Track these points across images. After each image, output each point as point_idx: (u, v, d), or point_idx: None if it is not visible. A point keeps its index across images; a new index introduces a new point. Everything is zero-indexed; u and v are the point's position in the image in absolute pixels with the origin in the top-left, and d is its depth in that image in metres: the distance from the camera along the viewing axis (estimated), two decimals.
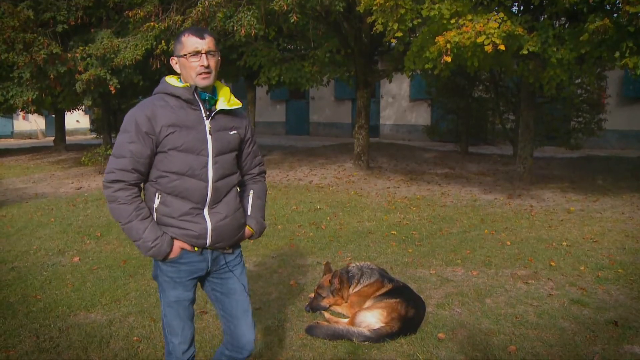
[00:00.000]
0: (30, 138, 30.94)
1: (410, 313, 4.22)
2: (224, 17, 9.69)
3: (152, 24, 10.35)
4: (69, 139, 24.10)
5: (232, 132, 2.72)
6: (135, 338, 4.18)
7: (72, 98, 14.98)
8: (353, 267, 4.79)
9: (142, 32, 10.79)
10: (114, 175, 2.55)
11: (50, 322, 4.51)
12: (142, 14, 10.70)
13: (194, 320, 2.86)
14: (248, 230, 2.87)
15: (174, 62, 2.66)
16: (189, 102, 2.60)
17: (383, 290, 4.50)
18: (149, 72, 12.70)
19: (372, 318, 4.20)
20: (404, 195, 10.28)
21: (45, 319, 4.56)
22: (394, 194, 10.48)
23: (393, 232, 7.50)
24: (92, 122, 27.14)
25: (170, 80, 2.66)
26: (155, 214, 2.63)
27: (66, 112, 21.93)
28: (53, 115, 23.55)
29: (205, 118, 2.62)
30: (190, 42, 2.57)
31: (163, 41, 10.58)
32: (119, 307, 4.84)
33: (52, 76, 12.23)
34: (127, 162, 2.54)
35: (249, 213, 2.89)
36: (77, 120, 31.71)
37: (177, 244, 2.63)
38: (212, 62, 2.59)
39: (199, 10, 9.50)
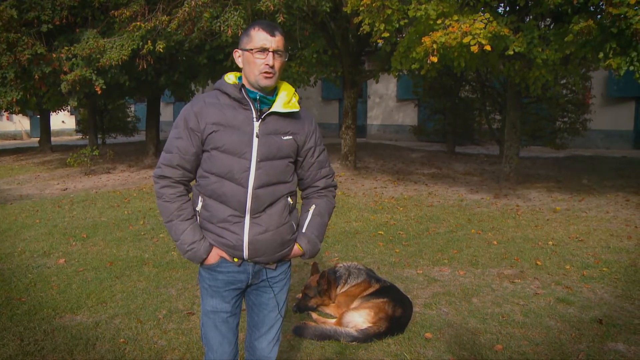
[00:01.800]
0: (15, 139, 30.62)
1: (397, 313, 4.23)
2: (210, 17, 9.66)
3: (138, 23, 10.30)
4: (54, 139, 23.89)
5: (285, 137, 2.50)
6: (121, 340, 4.15)
7: (58, 98, 14.86)
8: (340, 267, 4.79)
9: (128, 32, 10.74)
10: (160, 171, 2.50)
11: (35, 324, 4.46)
12: (128, 13, 10.65)
13: (237, 341, 2.69)
14: (297, 248, 2.62)
15: (237, 55, 2.50)
16: (239, 100, 2.46)
17: (370, 290, 4.51)
18: (136, 73, 12.63)
19: (360, 318, 4.21)
20: (391, 196, 10.30)
21: (30, 322, 4.52)
22: (381, 194, 10.50)
23: (380, 232, 7.51)
24: (77, 122, 26.96)
25: (228, 77, 2.52)
26: (198, 217, 2.53)
27: (51, 112, 21.74)
28: (38, 116, 23.34)
29: (255, 119, 2.45)
30: (259, 37, 2.40)
31: (149, 41, 10.52)
32: (105, 309, 4.81)
33: (36, 76, 12.12)
34: (173, 157, 2.47)
35: (303, 230, 2.64)
36: (62, 120, 31.42)
37: (216, 252, 2.51)
38: (278, 62, 2.43)
39: (185, 10, 9.47)
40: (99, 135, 21.06)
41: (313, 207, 2.68)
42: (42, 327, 4.40)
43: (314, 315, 4.57)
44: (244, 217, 2.46)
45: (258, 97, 2.46)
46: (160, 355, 3.91)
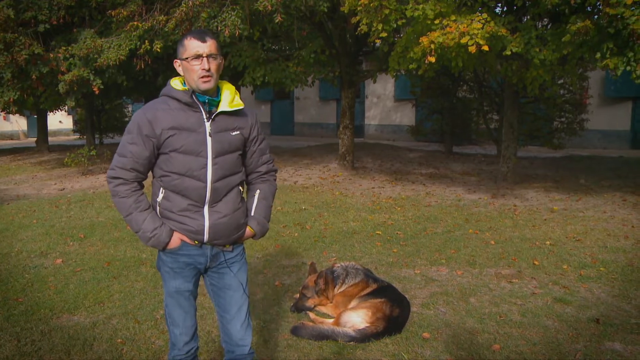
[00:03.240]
0: (12, 139, 30.56)
1: (395, 313, 4.23)
2: (207, 17, 9.65)
3: (135, 23, 10.28)
4: (51, 139, 23.85)
5: (234, 133, 2.73)
6: (119, 340, 4.15)
7: (55, 98, 14.82)
8: (338, 267, 4.79)
9: (125, 32, 10.72)
10: (114, 172, 2.67)
11: (32, 325, 4.45)
12: (125, 13, 10.63)
13: (196, 314, 2.91)
14: (249, 230, 2.87)
15: (177, 65, 2.68)
16: (189, 105, 2.64)
17: (368, 290, 4.51)
18: (133, 72, 12.62)
19: (357, 318, 4.21)
20: (389, 195, 10.31)
21: (27, 322, 4.51)
22: (379, 194, 10.50)
23: (378, 232, 7.51)
24: (75, 122, 26.92)
25: (174, 82, 2.70)
26: (158, 207, 2.71)
27: (48, 112, 21.70)
28: (35, 116, 23.31)
29: (205, 120, 2.64)
30: (192, 45, 2.59)
31: (147, 41, 10.51)
32: (103, 309, 4.80)
33: (34, 76, 12.09)
34: (126, 161, 2.64)
35: (252, 213, 2.89)
36: (59, 120, 31.37)
37: (177, 235, 2.70)
38: (214, 65, 2.60)
39: (182, 10, 9.46)
40: (97, 135, 21.04)
41: (258, 191, 2.94)
42: (39, 328, 4.39)
43: (312, 315, 4.56)
44: (203, 206, 2.69)
45: (207, 101, 2.66)
46: (157, 356, 3.91)
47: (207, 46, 2.59)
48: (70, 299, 5.05)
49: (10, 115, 26.49)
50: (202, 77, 2.58)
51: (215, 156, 2.66)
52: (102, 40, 11.22)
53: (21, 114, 24.52)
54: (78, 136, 24.73)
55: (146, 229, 2.65)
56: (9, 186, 12.77)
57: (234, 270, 2.85)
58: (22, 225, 8.22)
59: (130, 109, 26.11)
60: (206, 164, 2.64)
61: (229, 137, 2.71)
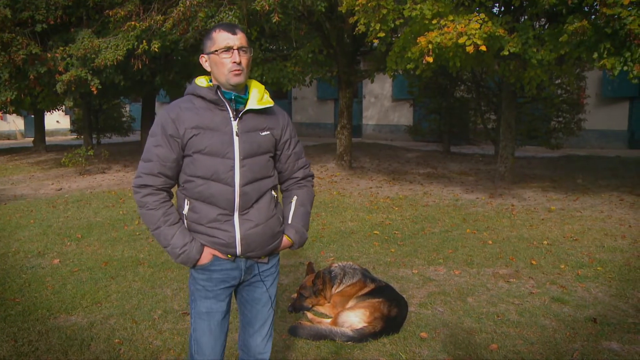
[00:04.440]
0: (9, 139, 30.48)
1: (392, 312, 4.24)
2: (205, 16, 9.65)
3: (133, 23, 10.27)
4: (48, 139, 23.80)
5: (263, 133, 2.55)
6: (116, 340, 4.14)
7: (52, 98, 14.81)
8: (336, 267, 4.79)
9: (123, 32, 10.71)
10: (141, 180, 2.48)
11: (29, 325, 4.45)
12: (122, 13, 10.63)
13: (226, 341, 2.72)
14: (286, 240, 2.67)
15: (204, 60, 2.53)
16: (214, 102, 2.48)
17: (366, 290, 4.52)
18: (131, 72, 12.60)
19: (355, 318, 4.21)
20: (387, 195, 10.31)
21: (24, 323, 4.50)
22: (377, 194, 10.51)
23: (376, 232, 7.52)
24: (72, 122, 26.83)
25: (199, 80, 2.55)
26: (185, 221, 2.53)
27: (46, 112, 21.66)
28: (32, 116, 23.25)
29: (232, 119, 2.48)
30: (222, 37, 2.45)
31: (144, 41, 10.50)
32: (100, 309, 4.80)
33: (31, 76, 12.07)
34: (153, 166, 2.46)
35: (289, 221, 2.70)
36: (57, 120, 31.27)
37: (208, 251, 2.52)
38: (244, 59, 2.46)
39: (180, 10, 9.45)
40: (94, 135, 21.00)
41: (295, 198, 2.74)
42: (36, 328, 4.38)
43: (310, 315, 4.57)
44: (233, 214, 2.50)
45: (233, 97, 2.49)
46: (155, 356, 3.91)
47: (237, 38, 2.45)
48: (67, 299, 5.04)
49: (8, 115, 26.41)
50: (233, 71, 2.43)
51: (243, 157, 2.48)
52: (100, 40, 11.21)
53: (18, 113, 24.43)
54: (75, 136, 24.65)
55: (175, 244, 2.47)
56: (6, 186, 12.74)
57: (267, 285, 2.69)
58: (20, 225, 8.21)
59: (127, 108, 26.05)
60: (233, 166, 2.46)
61: (259, 138, 2.53)
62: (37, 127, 21.48)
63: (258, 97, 2.54)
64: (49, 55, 12.01)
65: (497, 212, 8.68)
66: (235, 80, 2.45)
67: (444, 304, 4.84)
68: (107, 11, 11.11)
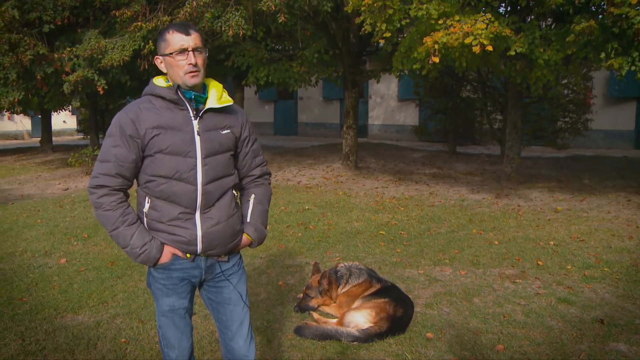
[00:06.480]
0: (16, 139, 30.64)
1: (398, 313, 4.23)
2: (211, 17, 9.68)
3: (139, 24, 10.31)
4: (55, 139, 23.91)
5: (224, 132, 2.57)
6: (122, 340, 4.16)
7: (59, 98, 14.88)
8: (341, 267, 4.79)
9: (129, 33, 10.75)
10: (97, 180, 2.45)
11: (37, 324, 4.47)
12: (129, 13, 10.66)
13: (192, 334, 2.76)
14: (245, 238, 2.71)
15: (159, 62, 2.54)
16: (174, 102, 2.48)
17: (371, 290, 4.51)
18: (137, 73, 12.63)
19: (361, 318, 4.21)
20: (392, 195, 10.30)
21: (32, 322, 4.52)
22: (382, 194, 10.50)
23: (381, 232, 7.51)
24: (79, 122, 26.96)
25: (157, 80, 2.54)
26: (145, 219, 2.53)
27: (52, 112, 21.76)
28: (39, 116, 23.35)
29: (193, 118, 2.49)
30: (176, 39, 2.44)
31: (150, 41, 10.53)
32: (107, 309, 4.81)
33: (38, 77, 12.12)
34: (111, 166, 2.44)
35: (247, 219, 2.72)
36: (63, 120, 31.44)
37: (168, 249, 2.53)
38: (200, 59, 2.46)
39: (186, 11, 9.48)
40: (100, 135, 21.04)
41: (253, 196, 2.76)
42: (43, 327, 4.41)
43: (315, 315, 4.57)
44: (195, 213, 2.52)
45: (193, 97, 2.50)
46: (161, 355, 3.90)
47: (192, 39, 2.44)
48: (74, 298, 5.06)
49: (15, 115, 26.54)
50: (189, 73, 2.44)
51: (205, 156, 2.49)
52: (106, 40, 11.24)
53: (25, 114, 24.57)
54: (82, 136, 24.78)
55: (135, 244, 2.46)
56: (13, 186, 12.81)
57: (233, 283, 2.70)
58: (26, 224, 8.25)
59: None
60: (195, 165, 2.47)
61: (219, 136, 2.55)
62: (44, 127, 21.58)
63: (217, 95, 2.55)
64: (56, 55, 12.06)
65: (503, 213, 8.65)
66: (192, 81, 2.46)
67: (450, 305, 4.83)
68: (113, 12, 11.15)
